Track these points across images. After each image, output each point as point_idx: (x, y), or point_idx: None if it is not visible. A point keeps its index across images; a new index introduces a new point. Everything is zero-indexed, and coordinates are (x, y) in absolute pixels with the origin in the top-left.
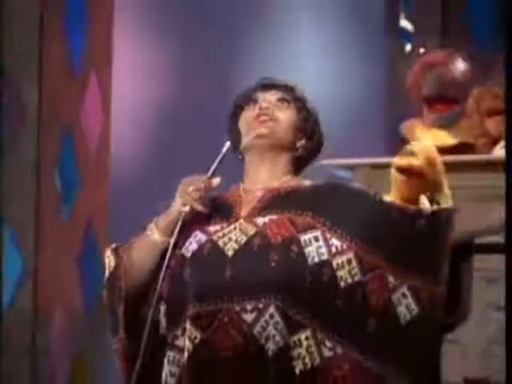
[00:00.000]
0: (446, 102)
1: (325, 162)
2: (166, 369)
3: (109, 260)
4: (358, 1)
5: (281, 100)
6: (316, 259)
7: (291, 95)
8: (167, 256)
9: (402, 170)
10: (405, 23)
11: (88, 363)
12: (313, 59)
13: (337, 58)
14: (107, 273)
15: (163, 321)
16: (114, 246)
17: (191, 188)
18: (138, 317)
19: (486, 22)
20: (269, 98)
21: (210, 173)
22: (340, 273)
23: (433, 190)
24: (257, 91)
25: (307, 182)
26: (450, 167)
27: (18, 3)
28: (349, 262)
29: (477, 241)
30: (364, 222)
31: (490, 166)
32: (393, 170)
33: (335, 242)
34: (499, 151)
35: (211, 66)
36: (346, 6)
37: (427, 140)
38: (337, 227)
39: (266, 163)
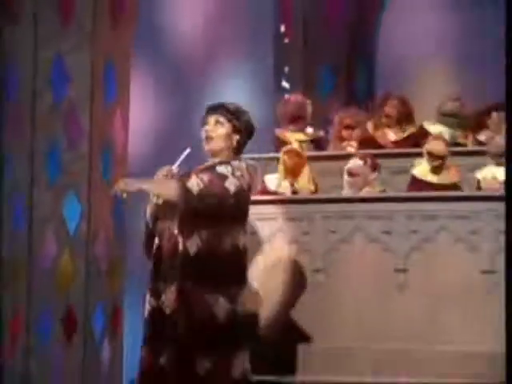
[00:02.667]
0: (299, 118)
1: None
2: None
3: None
4: (257, 72)
5: (216, 122)
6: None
7: (224, 113)
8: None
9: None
10: (285, 83)
11: (118, 265)
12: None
13: (247, 104)
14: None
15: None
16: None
17: (161, 174)
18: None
19: (329, 86)
20: (210, 121)
21: (175, 165)
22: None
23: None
24: (206, 115)
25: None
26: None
27: (82, 68)
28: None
29: None
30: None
31: (344, 156)
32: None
33: None
34: (348, 147)
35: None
36: (252, 76)
37: (294, 137)
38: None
39: (216, 157)
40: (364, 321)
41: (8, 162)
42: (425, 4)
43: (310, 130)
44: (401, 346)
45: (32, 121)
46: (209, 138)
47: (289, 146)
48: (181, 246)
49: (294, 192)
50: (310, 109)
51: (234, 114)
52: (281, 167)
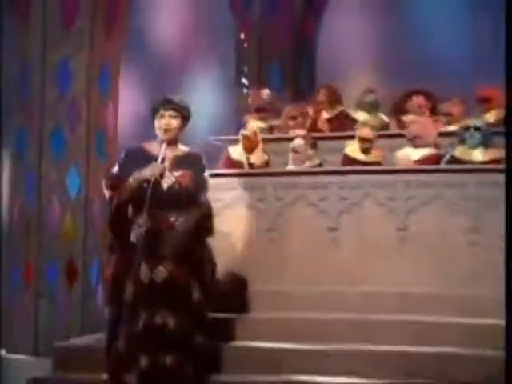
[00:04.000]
0: (264, 110)
1: (211, 138)
2: (134, 232)
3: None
4: (223, 70)
5: (171, 115)
6: (192, 193)
7: (176, 106)
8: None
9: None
10: (244, 80)
11: None
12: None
13: (215, 97)
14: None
15: (130, 211)
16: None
17: (156, 169)
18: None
19: (278, 82)
20: (166, 114)
21: (159, 161)
22: (198, 195)
23: (254, 148)
24: (161, 108)
25: (185, 148)
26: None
27: (82, 69)
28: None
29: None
30: (198, 177)
31: (290, 139)
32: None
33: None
34: (293, 132)
35: None
36: (219, 73)
37: (256, 124)
38: (195, 179)
39: (170, 145)
40: (305, 268)
41: (23, 143)
42: (356, 8)
43: (273, 122)
44: (334, 288)
45: (41, 109)
46: (167, 130)
47: (245, 132)
48: (180, 230)
49: (250, 164)
50: (275, 103)
51: (182, 108)
52: (241, 145)
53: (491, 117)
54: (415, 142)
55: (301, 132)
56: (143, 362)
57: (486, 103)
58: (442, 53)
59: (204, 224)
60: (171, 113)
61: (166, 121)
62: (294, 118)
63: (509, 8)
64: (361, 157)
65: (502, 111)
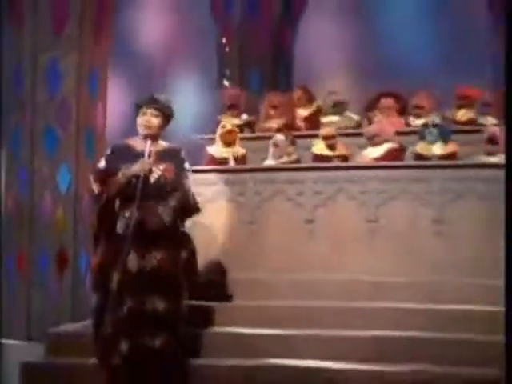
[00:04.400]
0: (235, 107)
1: (193, 135)
2: (120, 223)
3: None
4: (205, 73)
5: (152, 113)
6: (176, 184)
7: (159, 105)
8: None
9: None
10: (226, 82)
11: None
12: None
13: (197, 98)
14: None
15: (117, 203)
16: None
17: (146, 165)
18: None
19: (258, 87)
20: (147, 111)
21: (146, 157)
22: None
23: (234, 141)
24: (144, 105)
25: (164, 143)
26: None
27: (71, 71)
28: (181, 185)
29: None
30: (180, 169)
31: (269, 137)
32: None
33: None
34: (272, 124)
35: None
36: (201, 76)
37: (230, 121)
38: (177, 170)
39: (152, 141)
40: (283, 258)
41: (17, 141)
42: (331, 15)
43: (244, 116)
44: (310, 277)
45: (33, 109)
46: (147, 127)
47: (223, 129)
48: (169, 222)
49: (235, 158)
50: (243, 98)
51: (164, 107)
52: (219, 140)
53: (464, 115)
54: (374, 140)
55: (281, 121)
56: (124, 346)
57: (463, 100)
58: (415, 54)
59: (187, 199)
60: (153, 111)
61: (147, 118)
62: (275, 107)
63: (509, 8)
64: (328, 153)
65: (475, 113)
